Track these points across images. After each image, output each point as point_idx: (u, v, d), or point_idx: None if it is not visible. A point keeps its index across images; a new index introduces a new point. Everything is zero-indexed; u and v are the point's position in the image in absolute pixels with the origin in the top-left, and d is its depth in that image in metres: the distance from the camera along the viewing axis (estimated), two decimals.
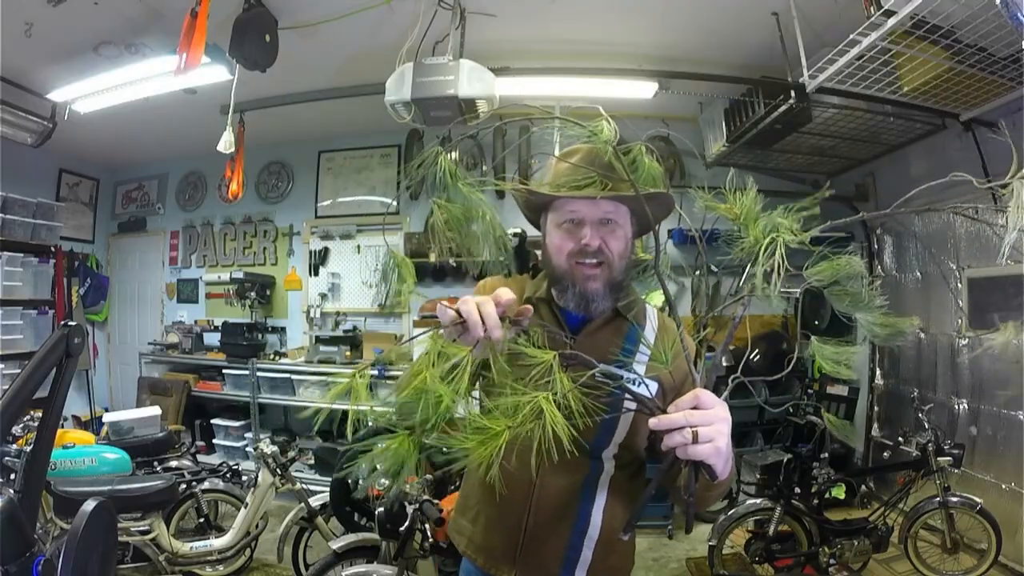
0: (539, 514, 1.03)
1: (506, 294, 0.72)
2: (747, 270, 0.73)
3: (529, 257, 3.49)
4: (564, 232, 1.00)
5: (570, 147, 1.02)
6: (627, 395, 0.72)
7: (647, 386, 0.93)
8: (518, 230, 3.47)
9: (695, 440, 0.66)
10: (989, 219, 0.70)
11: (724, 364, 3.51)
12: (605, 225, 0.99)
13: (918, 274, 3.61)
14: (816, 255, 0.73)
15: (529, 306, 0.74)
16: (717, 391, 0.73)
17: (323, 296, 4.61)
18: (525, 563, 1.05)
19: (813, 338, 0.77)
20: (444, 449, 0.66)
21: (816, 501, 2.68)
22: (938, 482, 2.56)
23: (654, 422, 0.68)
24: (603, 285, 0.99)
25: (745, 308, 0.76)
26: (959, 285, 3.25)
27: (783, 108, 2.86)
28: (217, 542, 2.57)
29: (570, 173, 0.99)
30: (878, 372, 4.01)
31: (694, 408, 0.68)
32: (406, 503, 1.95)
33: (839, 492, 3.00)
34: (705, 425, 0.67)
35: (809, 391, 3.92)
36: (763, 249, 0.71)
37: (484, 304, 0.69)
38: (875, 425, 3.98)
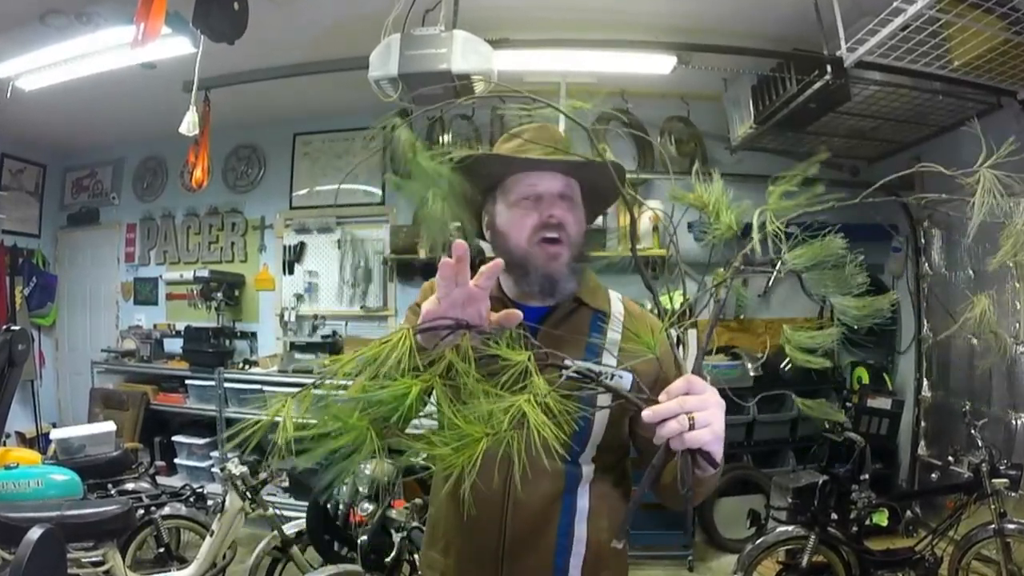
0: (515, 536, 1.05)
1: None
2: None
3: None
4: (522, 210, 1.05)
5: (518, 127, 1.09)
6: (604, 392, 0.76)
7: (622, 378, 0.96)
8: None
9: (692, 427, 0.69)
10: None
11: (752, 374, 3.48)
12: (564, 200, 1.04)
13: (970, 272, 3.61)
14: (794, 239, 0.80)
15: (517, 311, 0.75)
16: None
17: (299, 297, 4.61)
18: None
19: (785, 327, 0.83)
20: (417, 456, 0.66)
21: (855, 528, 2.67)
22: (993, 507, 2.55)
23: (648, 414, 0.71)
24: (566, 265, 1.04)
25: (727, 291, 0.81)
26: (1017, 284, 3.25)
27: (818, 85, 2.86)
28: (179, 575, 2.57)
29: (518, 151, 1.05)
30: (925, 383, 4.01)
31: (686, 394, 0.72)
32: (392, 530, 1.95)
33: (881, 518, 3.00)
34: (701, 410, 0.70)
35: (848, 404, 3.92)
36: (755, 223, 0.78)
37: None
38: (922, 443, 3.98)
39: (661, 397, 0.73)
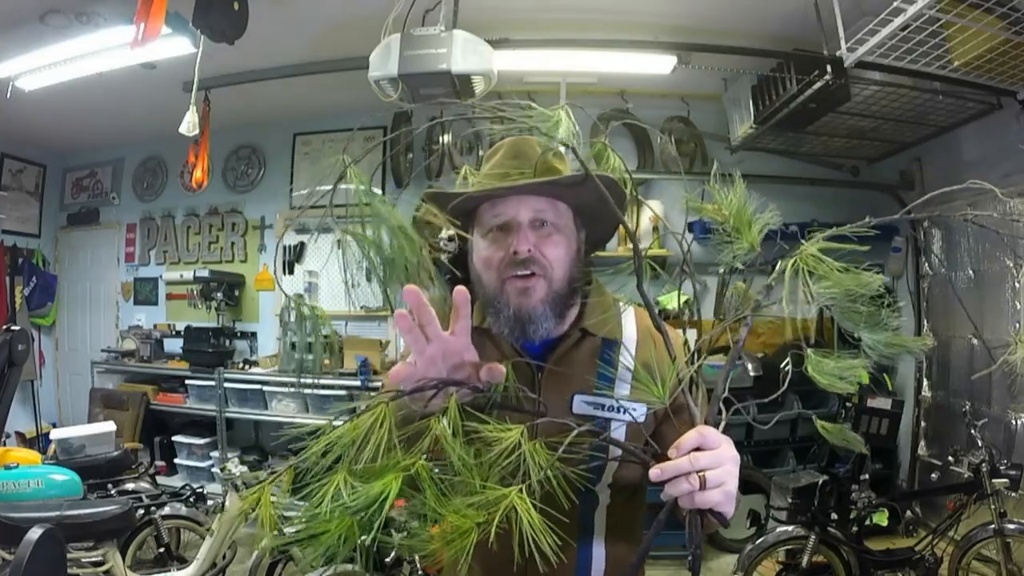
0: (535, 563, 1.03)
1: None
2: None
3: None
4: (490, 242, 0.95)
5: (499, 143, 0.99)
6: (613, 441, 0.73)
7: (632, 414, 0.91)
8: (452, 232, 3.38)
9: (703, 486, 0.65)
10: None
11: (752, 375, 3.47)
12: (538, 228, 0.93)
13: (970, 272, 3.61)
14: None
15: (499, 366, 0.71)
16: (715, 423, 0.72)
17: (299, 297, 4.60)
18: None
19: (810, 351, 0.78)
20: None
21: (855, 529, 2.68)
22: (993, 507, 2.55)
23: (655, 472, 0.67)
24: (542, 302, 0.92)
25: (747, 328, 0.77)
26: (1017, 285, 3.25)
27: (818, 85, 2.86)
28: (179, 575, 2.57)
29: (492, 173, 0.95)
30: (925, 383, 4.01)
31: (697, 449, 0.67)
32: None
33: (881, 518, 3.00)
34: (714, 468, 0.66)
35: (847, 404, 3.92)
36: (788, 266, 0.73)
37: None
38: (922, 443, 3.98)
39: (671, 452, 0.68)
